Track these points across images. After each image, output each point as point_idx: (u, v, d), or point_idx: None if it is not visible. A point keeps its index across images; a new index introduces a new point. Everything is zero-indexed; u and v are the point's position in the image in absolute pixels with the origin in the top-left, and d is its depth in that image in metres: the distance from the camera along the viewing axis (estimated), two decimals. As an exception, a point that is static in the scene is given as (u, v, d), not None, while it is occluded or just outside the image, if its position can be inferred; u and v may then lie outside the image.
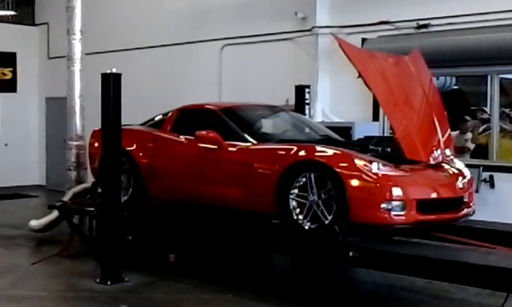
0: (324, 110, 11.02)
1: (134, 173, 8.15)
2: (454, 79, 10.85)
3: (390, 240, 6.62)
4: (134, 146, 8.20)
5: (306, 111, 9.72)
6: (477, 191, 8.63)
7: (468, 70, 10.05)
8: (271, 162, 6.82)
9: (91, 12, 11.45)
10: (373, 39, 10.36)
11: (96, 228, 8.55)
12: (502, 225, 7.43)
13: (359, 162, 6.32)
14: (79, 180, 10.11)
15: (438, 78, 9.89)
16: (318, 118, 10.74)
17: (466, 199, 6.76)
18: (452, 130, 7.68)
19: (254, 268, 8.68)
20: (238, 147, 7.23)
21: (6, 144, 16.40)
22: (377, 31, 10.43)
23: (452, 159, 7.12)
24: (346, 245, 6.27)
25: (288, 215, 6.61)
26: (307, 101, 9.79)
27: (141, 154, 8.14)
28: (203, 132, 7.34)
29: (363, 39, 10.39)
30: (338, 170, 6.26)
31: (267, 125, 8.19)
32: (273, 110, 8.50)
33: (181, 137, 7.90)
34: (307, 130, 8.14)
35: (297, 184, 6.54)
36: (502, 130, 9.80)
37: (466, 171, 7.05)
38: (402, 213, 6.16)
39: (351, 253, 6.26)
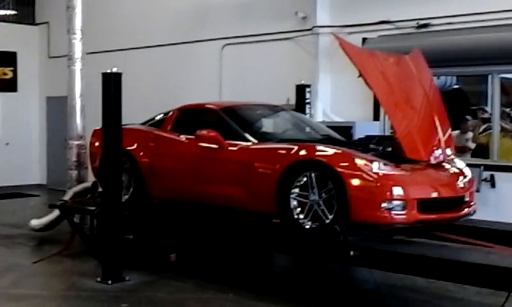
0: (324, 109, 11.02)
1: (135, 172, 8.15)
2: (454, 79, 10.86)
3: (391, 239, 6.61)
4: (135, 146, 8.19)
5: (307, 111, 9.67)
6: (477, 191, 8.61)
7: (468, 70, 10.03)
8: (271, 162, 6.82)
9: (92, 11, 11.43)
10: (373, 39, 10.36)
11: (97, 227, 8.54)
12: (506, 225, 7.40)
13: (360, 162, 6.32)
14: (80, 179, 10.12)
15: (438, 78, 9.89)
16: (318, 117, 10.74)
17: (467, 199, 6.75)
18: (452, 130, 7.65)
19: (255, 268, 8.68)
20: (239, 146, 7.22)
21: (7, 144, 16.37)
22: (378, 30, 10.43)
23: (452, 159, 7.11)
24: (347, 245, 6.27)
25: (289, 214, 6.61)
26: (308, 100, 9.75)
27: (141, 153, 8.14)
28: (204, 132, 7.34)
29: (364, 39, 10.40)
30: (339, 169, 6.26)
31: (268, 125, 8.19)
32: (274, 109, 8.49)
33: (182, 136, 7.90)
34: (308, 129, 8.14)
35: (298, 183, 6.54)
36: (502, 129, 9.81)
37: (467, 171, 7.04)
38: (403, 212, 6.15)
39: (351, 252, 6.26)
